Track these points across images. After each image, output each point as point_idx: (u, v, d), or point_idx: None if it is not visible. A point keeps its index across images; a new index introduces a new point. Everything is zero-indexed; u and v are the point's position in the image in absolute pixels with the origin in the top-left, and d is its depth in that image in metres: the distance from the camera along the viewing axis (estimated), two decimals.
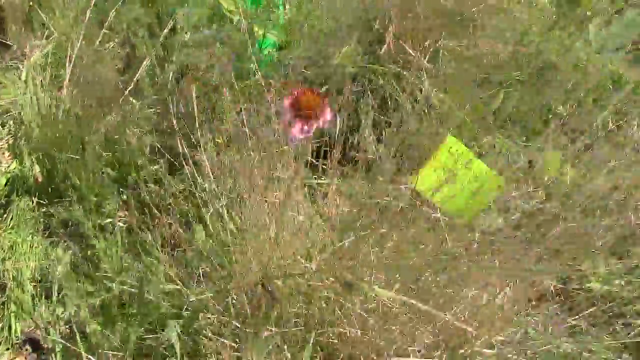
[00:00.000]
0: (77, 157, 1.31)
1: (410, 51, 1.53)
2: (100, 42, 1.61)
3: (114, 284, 1.12)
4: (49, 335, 1.18)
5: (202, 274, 1.12)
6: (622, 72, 1.38)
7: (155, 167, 1.24)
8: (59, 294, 1.23)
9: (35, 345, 1.27)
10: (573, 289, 1.17)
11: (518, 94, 1.38)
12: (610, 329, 1.09)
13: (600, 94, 1.39)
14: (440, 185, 0.97)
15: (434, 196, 0.98)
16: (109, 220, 1.26)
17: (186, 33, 1.57)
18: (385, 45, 1.54)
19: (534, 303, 1.17)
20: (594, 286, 1.16)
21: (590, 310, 1.10)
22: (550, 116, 1.42)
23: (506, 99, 1.41)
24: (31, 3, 1.75)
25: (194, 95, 1.20)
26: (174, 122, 1.28)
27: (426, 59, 1.52)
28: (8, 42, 1.72)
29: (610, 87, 1.40)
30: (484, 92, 1.45)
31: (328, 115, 0.79)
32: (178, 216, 1.27)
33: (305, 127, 0.78)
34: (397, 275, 1.03)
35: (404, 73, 1.48)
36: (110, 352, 1.06)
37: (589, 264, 1.17)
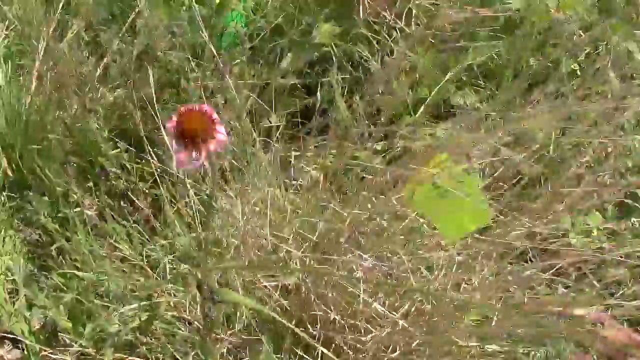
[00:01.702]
0: (40, 147, 1.28)
1: (384, 14, 1.49)
2: (63, 29, 1.57)
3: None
4: (23, 333, 1.16)
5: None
6: (589, 19, 1.35)
7: (115, 151, 1.22)
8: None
9: (16, 341, 1.26)
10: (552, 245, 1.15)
11: (487, 48, 1.35)
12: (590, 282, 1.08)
13: (569, 43, 1.35)
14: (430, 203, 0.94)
15: (422, 207, 0.96)
16: (77, 209, 1.24)
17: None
18: (361, 10, 1.50)
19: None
20: (573, 241, 1.14)
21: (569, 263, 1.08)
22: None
23: (477, 55, 1.38)
24: None
25: (151, 78, 1.18)
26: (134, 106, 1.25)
27: (401, 20, 1.49)
28: None
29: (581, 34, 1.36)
30: (455, 50, 1.41)
31: (221, 136, 0.67)
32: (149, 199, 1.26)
33: (194, 155, 0.67)
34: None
35: (377, 36, 1.45)
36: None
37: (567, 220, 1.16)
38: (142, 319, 1.05)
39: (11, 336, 1.23)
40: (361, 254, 1.01)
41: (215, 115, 0.67)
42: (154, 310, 1.05)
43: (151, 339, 1.08)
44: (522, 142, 1.23)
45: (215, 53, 1.17)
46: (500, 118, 1.17)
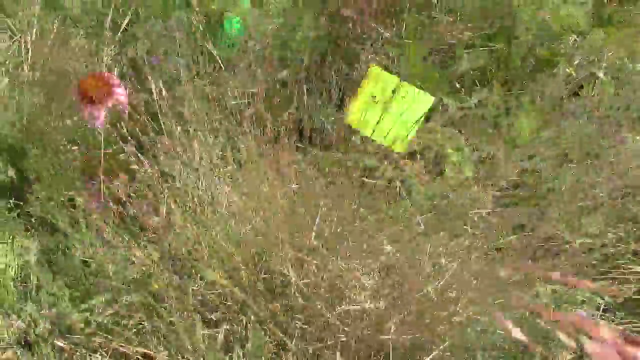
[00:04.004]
0: (43, 152, 1.31)
1: (375, 25, 1.53)
2: (64, 36, 1.60)
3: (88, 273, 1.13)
4: (34, 331, 1.19)
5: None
6: (583, 26, 1.39)
7: (121, 155, 1.24)
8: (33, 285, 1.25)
9: (25, 341, 1.29)
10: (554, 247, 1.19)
11: (480, 55, 1.39)
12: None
13: (563, 48, 1.39)
14: (367, 114, 0.97)
15: (366, 128, 0.99)
16: (82, 212, 1.27)
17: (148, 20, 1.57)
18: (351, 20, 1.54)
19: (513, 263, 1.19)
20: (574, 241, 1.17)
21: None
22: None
23: (470, 62, 1.42)
24: None
25: (152, 83, 1.21)
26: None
27: (389, 32, 1.52)
28: None
29: (576, 39, 1.40)
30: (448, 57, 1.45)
31: (120, 96, 0.83)
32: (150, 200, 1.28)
33: (95, 112, 0.83)
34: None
35: (366, 47, 1.49)
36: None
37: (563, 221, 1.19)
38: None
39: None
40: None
41: (113, 80, 0.81)
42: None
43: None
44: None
45: (219, 59, 1.21)
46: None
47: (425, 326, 1.00)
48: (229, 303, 1.09)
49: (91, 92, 0.81)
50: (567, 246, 1.19)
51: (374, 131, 1.00)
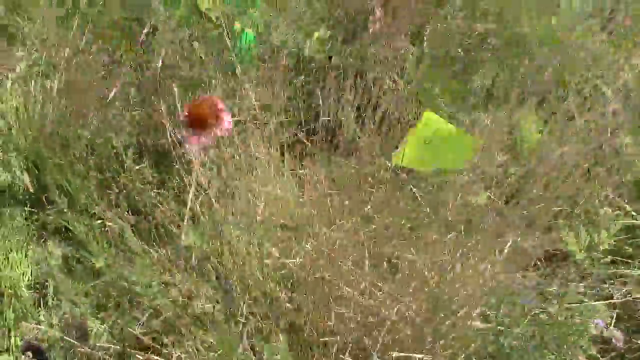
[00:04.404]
0: (63, 162, 1.32)
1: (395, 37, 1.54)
2: (82, 48, 1.62)
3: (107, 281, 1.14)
4: (47, 339, 1.19)
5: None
6: (593, 42, 1.40)
7: (140, 166, 1.26)
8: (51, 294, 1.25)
9: (35, 351, 1.29)
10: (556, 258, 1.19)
11: (494, 70, 1.40)
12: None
13: (573, 64, 1.40)
14: (421, 155, 0.99)
15: (415, 165, 1.00)
16: (99, 221, 1.28)
17: (166, 33, 1.59)
18: (371, 30, 1.55)
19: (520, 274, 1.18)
20: (577, 254, 1.17)
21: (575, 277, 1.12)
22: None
23: (483, 77, 1.43)
24: (10, 15, 1.76)
25: (176, 93, 1.22)
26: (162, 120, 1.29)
27: (408, 40, 1.54)
28: None
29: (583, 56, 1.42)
30: (463, 72, 1.47)
31: (226, 123, 0.77)
32: (168, 211, 1.29)
33: (202, 139, 0.76)
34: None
35: (386, 56, 1.50)
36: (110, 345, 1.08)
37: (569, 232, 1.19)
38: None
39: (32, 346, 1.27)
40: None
41: (221, 105, 0.76)
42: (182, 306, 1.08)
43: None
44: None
45: (238, 69, 1.22)
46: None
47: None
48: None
49: (202, 119, 0.75)
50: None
51: (421, 165, 1.02)
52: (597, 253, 1.13)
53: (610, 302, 1.09)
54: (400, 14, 1.56)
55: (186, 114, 0.79)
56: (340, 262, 1.03)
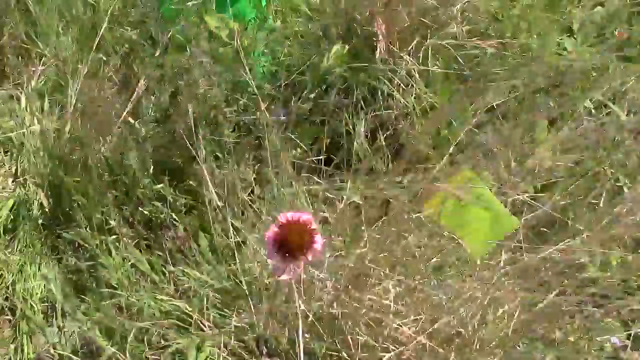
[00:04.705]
0: (79, 179, 1.33)
1: (400, 53, 1.56)
2: (97, 65, 1.64)
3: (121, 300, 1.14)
4: (59, 355, 1.20)
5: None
6: (606, 62, 1.41)
7: (159, 185, 1.27)
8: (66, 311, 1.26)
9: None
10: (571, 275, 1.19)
11: (504, 89, 1.41)
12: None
13: (584, 83, 1.41)
14: (454, 216, 0.98)
15: (449, 222, 0.99)
16: (114, 237, 1.29)
17: (179, 52, 1.61)
18: (378, 50, 1.57)
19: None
20: (592, 272, 1.18)
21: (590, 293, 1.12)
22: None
23: (494, 95, 1.44)
24: (27, 32, 1.79)
25: (190, 111, 1.23)
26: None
27: (415, 59, 1.55)
28: (6, 72, 1.76)
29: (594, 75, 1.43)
30: (472, 90, 1.48)
31: (318, 245, 0.67)
32: (182, 231, 1.30)
33: (293, 267, 0.67)
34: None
35: (395, 75, 1.51)
36: None
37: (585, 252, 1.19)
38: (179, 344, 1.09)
39: None
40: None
41: (314, 225, 0.67)
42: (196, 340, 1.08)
43: None
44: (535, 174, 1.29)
45: (254, 88, 1.23)
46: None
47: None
48: None
49: (295, 245, 0.66)
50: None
51: (458, 229, 1.01)
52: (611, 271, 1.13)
53: (625, 320, 1.09)
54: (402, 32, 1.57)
55: (275, 238, 0.68)
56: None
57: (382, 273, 1.05)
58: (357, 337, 1.05)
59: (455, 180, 0.98)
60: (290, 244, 0.67)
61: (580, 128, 1.25)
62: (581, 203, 1.26)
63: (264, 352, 1.00)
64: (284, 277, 0.67)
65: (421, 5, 1.51)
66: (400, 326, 1.03)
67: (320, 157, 1.36)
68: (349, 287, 1.07)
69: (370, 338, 1.04)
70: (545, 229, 1.23)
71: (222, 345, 1.08)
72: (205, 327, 1.12)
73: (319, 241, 0.68)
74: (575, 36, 1.44)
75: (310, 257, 0.67)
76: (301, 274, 0.68)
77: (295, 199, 1.25)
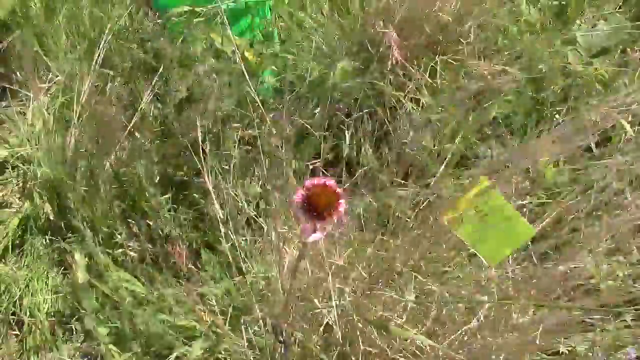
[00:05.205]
0: (86, 191, 1.34)
1: (411, 68, 1.57)
2: (103, 81, 1.66)
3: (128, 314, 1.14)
4: None
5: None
6: (609, 75, 1.42)
7: (165, 197, 1.28)
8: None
9: None
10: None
11: (512, 103, 1.42)
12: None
13: (589, 96, 1.42)
14: (474, 228, 0.98)
15: (464, 234, 1.00)
16: (120, 250, 1.30)
17: (185, 67, 1.62)
18: (390, 63, 1.57)
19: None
20: (599, 283, 1.17)
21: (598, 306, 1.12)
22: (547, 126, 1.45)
23: (500, 109, 1.45)
24: (35, 49, 1.80)
25: (198, 125, 1.24)
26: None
27: (426, 74, 1.56)
28: (14, 88, 1.77)
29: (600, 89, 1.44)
30: (480, 104, 1.49)
31: (342, 208, 0.73)
32: (187, 244, 1.30)
33: (320, 226, 0.72)
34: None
35: (406, 88, 1.52)
36: None
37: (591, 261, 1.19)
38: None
39: None
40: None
41: (338, 189, 0.73)
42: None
43: None
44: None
45: (259, 103, 1.24)
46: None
47: None
48: None
49: (322, 206, 0.72)
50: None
51: (473, 241, 1.02)
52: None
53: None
54: (413, 47, 1.59)
55: (303, 201, 0.73)
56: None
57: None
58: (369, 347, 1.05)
59: (474, 190, 0.99)
60: (317, 205, 0.72)
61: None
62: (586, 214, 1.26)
63: (280, 340, 1.01)
64: (314, 237, 0.73)
65: (434, 22, 1.52)
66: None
67: (325, 169, 1.37)
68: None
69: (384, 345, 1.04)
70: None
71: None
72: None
73: (342, 203, 0.73)
74: (579, 50, 1.45)
75: (335, 218, 0.73)
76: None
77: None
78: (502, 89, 1.41)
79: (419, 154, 1.28)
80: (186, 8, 1.58)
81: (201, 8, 1.59)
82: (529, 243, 1.15)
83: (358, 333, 1.04)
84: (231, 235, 1.20)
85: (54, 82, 1.76)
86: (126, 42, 1.78)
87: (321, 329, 1.06)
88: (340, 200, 0.72)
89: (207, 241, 1.33)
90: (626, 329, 1.09)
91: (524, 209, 1.24)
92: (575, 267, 1.14)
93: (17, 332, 1.35)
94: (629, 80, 1.40)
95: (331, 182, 0.73)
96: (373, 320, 1.03)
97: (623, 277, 1.17)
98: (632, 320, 1.07)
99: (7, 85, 1.77)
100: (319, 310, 1.06)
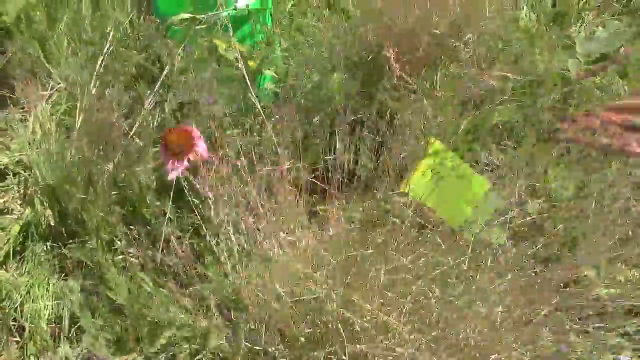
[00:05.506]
0: (86, 197, 1.35)
1: (409, 78, 1.57)
2: (104, 87, 1.66)
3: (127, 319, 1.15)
4: None
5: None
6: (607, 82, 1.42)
7: (165, 202, 1.28)
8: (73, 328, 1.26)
9: None
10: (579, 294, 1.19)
11: (510, 109, 1.42)
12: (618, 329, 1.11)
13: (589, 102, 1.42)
14: (428, 189, 1.01)
15: (427, 200, 1.02)
16: (121, 256, 1.30)
17: (185, 73, 1.63)
18: (388, 75, 1.58)
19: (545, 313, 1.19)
20: (599, 290, 1.17)
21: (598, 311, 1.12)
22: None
23: (499, 115, 1.46)
24: (37, 55, 1.81)
25: (198, 131, 1.24)
26: None
27: (423, 84, 1.57)
28: (16, 94, 1.78)
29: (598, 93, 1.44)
30: (479, 111, 1.49)
31: (200, 149, 0.88)
32: (187, 248, 1.31)
33: (177, 163, 0.87)
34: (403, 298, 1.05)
35: (406, 97, 1.53)
36: None
37: (592, 268, 1.19)
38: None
39: None
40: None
41: (196, 133, 0.85)
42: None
43: None
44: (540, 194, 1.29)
45: (260, 109, 1.25)
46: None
47: None
48: None
49: (176, 145, 0.86)
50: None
51: (435, 204, 1.04)
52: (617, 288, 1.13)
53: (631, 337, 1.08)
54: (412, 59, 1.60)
55: (162, 141, 0.89)
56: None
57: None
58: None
59: (428, 155, 1.02)
60: (172, 145, 0.87)
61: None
62: (588, 222, 1.26)
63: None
64: (173, 173, 0.89)
65: (433, 34, 1.53)
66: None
67: (322, 176, 1.37)
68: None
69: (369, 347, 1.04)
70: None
71: None
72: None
73: (201, 146, 0.89)
74: (577, 56, 1.46)
75: (192, 157, 0.89)
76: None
77: (296, 217, 1.25)
78: (502, 95, 1.42)
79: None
80: (187, 15, 1.60)
81: (202, 15, 1.60)
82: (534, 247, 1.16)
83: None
84: (231, 237, 1.21)
85: (56, 89, 1.77)
86: (127, 49, 1.79)
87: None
88: (197, 142, 0.87)
89: (207, 247, 1.34)
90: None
91: (526, 216, 1.24)
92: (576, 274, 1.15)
93: (18, 339, 1.35)
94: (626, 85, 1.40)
95: (189, 127, 0.86)
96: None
97: (624, 283, 1.17)
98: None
99: (8, 92, 1.78)
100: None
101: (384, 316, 1.02)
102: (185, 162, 0.88)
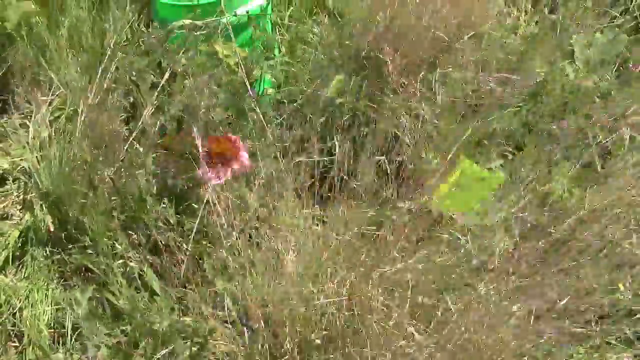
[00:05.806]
0: (86, 202, 1.35)
1: (408, 83, 1.57)
2: (105, 93, 1.66)
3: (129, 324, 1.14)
4: None
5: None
6: (608, 88, 1.43)
7: (161, 206, 1.28)
8: (74, 337, 1.26)
9: None
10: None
11: (509, 115, 1.42)
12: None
13: (589, 109, 1.43)
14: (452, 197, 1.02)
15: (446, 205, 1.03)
16: (121, 261, 1.30)
17: (186, 79, 1.63)
18: (386, 78, 1.58)
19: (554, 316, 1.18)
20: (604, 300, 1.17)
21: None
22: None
23: (499, 121, 1.46)
24: (38, 60, 1.82)
25: (196, 135, 1.25)
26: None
27: (422, 87, 1.57)
28: (16, 100, 1.78)
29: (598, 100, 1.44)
30: (480, 116, 1.49)
31: (244, 159, 0.87)
32: (189, 253, 1.30)
33: (221, 174, 0.83)
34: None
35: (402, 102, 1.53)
36: None
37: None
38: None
39: None
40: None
41: (239, 143, 0.84)
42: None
43: None
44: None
45: (260, 114, 1.25)
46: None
47: None
48: None
49: (220, 154, 0.85)
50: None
51: (451, 204, 1.06)
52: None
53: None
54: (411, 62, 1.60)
55: (206, 150, 0.87)
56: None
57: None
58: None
59: (457, 168, 1.03)
60: (216, 154, 0.86)
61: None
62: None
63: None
64: (215, 182, 0.88)
65: (431, 37, 1.53)
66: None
67: (324, 181, 1.37)
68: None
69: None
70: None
71: None
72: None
73: (245, 155, 0.88)
74: (577, 63, 1.46)
75: (236, 167, 0.88)
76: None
77: (298, 222, 1.25)
78: (502, 102, 1.42)
79: (417, 167, 1.29)
80: (187, 21, 1.60)
81: (202, 21, 1.60)
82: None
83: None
84: (236, 240, 1.21)
85: (56, 95, 1.77)
86: (127, 54, 1.79)
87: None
88: (240, 152, 0.82)
89: (208, 252, 1.33)
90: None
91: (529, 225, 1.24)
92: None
93: (17, 344, 1.35)
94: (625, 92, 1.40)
95: (233, 136, 0.84)
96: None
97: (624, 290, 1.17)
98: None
99: (9, 98, 1.78)
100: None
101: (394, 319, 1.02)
102: (229, 172, 0.86)
